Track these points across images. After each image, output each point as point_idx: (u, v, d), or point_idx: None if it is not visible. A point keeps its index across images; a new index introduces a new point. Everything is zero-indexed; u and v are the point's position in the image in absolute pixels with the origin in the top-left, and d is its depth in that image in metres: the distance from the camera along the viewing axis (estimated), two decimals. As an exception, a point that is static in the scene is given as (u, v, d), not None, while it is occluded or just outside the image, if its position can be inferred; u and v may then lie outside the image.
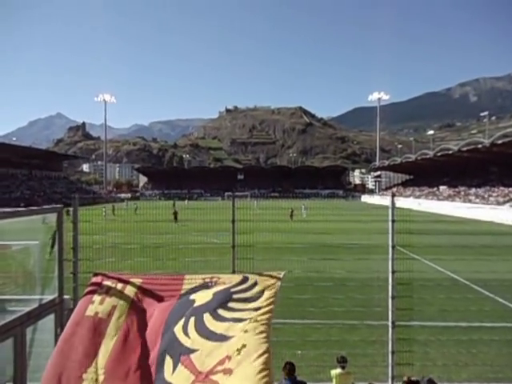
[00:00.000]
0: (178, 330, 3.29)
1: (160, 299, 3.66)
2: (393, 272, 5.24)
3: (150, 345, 3.31)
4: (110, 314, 3.44)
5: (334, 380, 5.81)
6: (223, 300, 3.38)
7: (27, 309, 3.78)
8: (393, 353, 5.23)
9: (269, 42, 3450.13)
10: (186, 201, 65.59)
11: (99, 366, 3.17)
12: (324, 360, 6.85)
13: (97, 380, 3.09)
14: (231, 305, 3.33)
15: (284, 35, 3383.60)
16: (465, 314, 9.17)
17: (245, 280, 3.72)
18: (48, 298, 4.08)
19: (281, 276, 3.91)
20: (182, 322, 3.33)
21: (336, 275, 11.87)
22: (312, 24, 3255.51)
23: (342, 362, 5.88)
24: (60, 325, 4.10)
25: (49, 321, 4.02)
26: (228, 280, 3.73)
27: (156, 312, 3.55)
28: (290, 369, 4.84)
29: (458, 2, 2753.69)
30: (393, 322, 5.25)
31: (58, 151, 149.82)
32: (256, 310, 3.27)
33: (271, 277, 3.84)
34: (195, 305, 3.44)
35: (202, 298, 3.49)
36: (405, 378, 5.11)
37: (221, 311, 3.31)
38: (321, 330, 8.82)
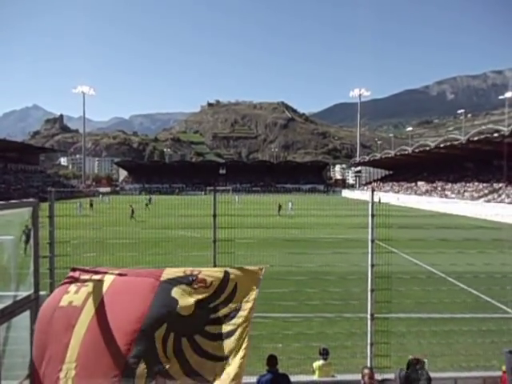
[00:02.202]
0: (158, 337, 3.23)
1: (137, 286, 3.57)
2: (372, 265, 5.33)
3: (124, 337, 3.19)
4: (84, 301, 3.34)
5: (316, 372, 5.90)
6: (208, 315, 3.40)
7: (0, 306, 3.66)
8: (371, 344, 5.34)
9: (251, 38, 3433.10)
10: (149, 196, 51.21)
11: (71, 360, 3.09)
12: (304, 353, 6.92)
13: (69, 376, 3.02)
14: (212, 317, 3.39)
15: (266, 31, 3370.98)
16: (440, 305, 9.44)
17: (225, 279, 3.68)
18: (23, 294, 3.96)
19: (261, 271, 3.92)
20: (162, 331, 3.25)
21: (316, 269, 12.00)
22: (294, 21, 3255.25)
23: (324, 354, 5.97)
24: (36, 322, 3.99)
25: (24, 318, 3.91)
26: (209, 276, 3.68)
27: (135, 296, 3.43)
28: (272, 362, 4.88)
29: (436, 3, 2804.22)
30: (372, 315, 5.35)
31: (35, 144, 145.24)
32: (240, 324, 3.37)
33: (252, 272, 3.84)
34: (178, 308, 3.37)
35: (184, 301, 3.43)
36: (410, 357, 5.10)
37: (208, 328, 3.35)
38: (301, 323, 8.91)
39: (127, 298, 3.42)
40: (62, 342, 3.15)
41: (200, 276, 3.63)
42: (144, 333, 3.21)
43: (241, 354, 3.32)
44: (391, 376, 5.28)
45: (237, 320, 3.44)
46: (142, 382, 3.02)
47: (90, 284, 3.47)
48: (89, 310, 3.29)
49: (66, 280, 3.59)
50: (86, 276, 3.60)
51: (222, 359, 3.27)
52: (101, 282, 3.51)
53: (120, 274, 3.61)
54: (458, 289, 12.10)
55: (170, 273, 3.67)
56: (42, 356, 3.13)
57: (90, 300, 3.34)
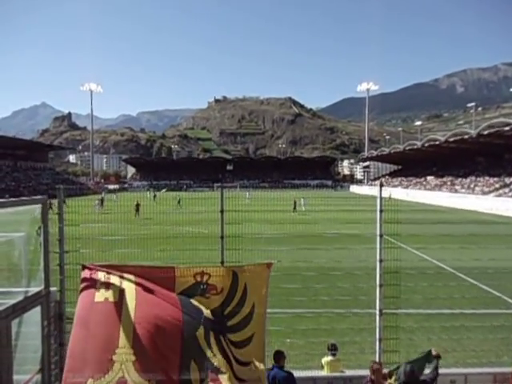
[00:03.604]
0: (200, 336, 3.49)
1: (157, 287, 3.69)
2: (380, 261, 5.30)
3: (170, 337, 3.43)
4: (120, 297, 3.54)
5: (324, 367, 5.89)
6: (226, 322, 3.68)
7: (12, 301, 3.71)
8: (380, 340, 5.32)
9: (258, 33, 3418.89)
10: (154, 193, 52.09)
11: (126, 346, 3.30)
12: (313, 348, 6.93)
13: (127, 360, 3.24)
14: (229, 324, 3.68)
15: (273, 26, 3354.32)
16: (449, 301, 9.37)
17: (235, 282, 3.79)
18: (34, 290, 4.01)
19: (270, 267, 3.96)
20: (202, 331, 3.52)
21: (325, 264, 11.96)
22: (301, 15, 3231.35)
23: (333, 349, 5.96)
24: (46, 317, 4.05)
25: (35, 313, 3.96)
26: (218, 281, 3.81)
27: (164, 303, 3.61)
28: (278, 357, 4.88)
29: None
30: (380, 310, 5.32)
31: (44, 142, 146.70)
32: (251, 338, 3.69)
33: (260, 269, 3.89)
34: (205, 313, 3.63)
35: (204, 309, 3.67)
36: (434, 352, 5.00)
37: (229, 335, 3.63)
38: (310, 319, 8.91)
39: (158, 298, 3.61)
40: (109, 332, 3.36)
41: (210, 282, 3.75)
42: (187, 334, 3.45)
43: (261, 358, 3.67)
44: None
45: (252, 325, 3.67)
46: (197, 377, 3.32)
47: (117, 283, 3.65)
48: (129, 309, 3.49)
49: (85, 284, 3.74)
50: (103, 273, 3.72)
51: (248, 364, 3.57)
52: (126, 280, 3.68)
53: (138, 275, 3.74)
54: (467, 284, 11.98)
55: (181, 277, 3.77)
56: (85, 345, 3.33)
57: (126, 298, 3.55)
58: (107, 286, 3.60)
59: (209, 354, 3.40)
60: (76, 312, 3.57)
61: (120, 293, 3.54)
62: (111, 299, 3.50)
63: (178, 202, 33.04)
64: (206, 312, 3.61)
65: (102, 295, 3.54)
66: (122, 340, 3.30)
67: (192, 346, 3.40)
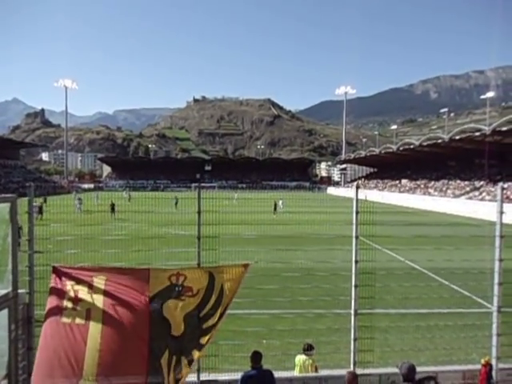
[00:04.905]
0: (164, 362, 3.48)
1: (129, 297, 3.58)
2: (356, 262, 5.37)
3: (135, 366, 3.40)
4: (86, 319, 3.47)
5: (297, 366, 5.90)
6: (201, 325, 3.70)
7: (-23, 304, 3.55)
8: (355, 340, 5.39)
9: (238, 34, 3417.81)
10: (128, 194, 48.59)
11: (89, 374, 3.27)
12: (289, 348, 6.95)
13: None
14: (204, 326, 3.72)
15: (253, 28, 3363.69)
16: (422, 301, 9.61)
17: (211, 283, 3.76)
18: (1, 292, 3.85)
19: (246, 268, 3.94)
20: (166, 355, 3.50)
21: (302, 265, 12.04)
22: (281, 19, 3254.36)
23: (309, 349, 5.98)
24: (14, 320, 3.89)
25: (2, 316, 3.80)
26: (195, 283, 3.75)
27: (133, 321, 3.54)
28: (256, 358, 4.85)
29: (421, 3, 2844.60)
30: (355, 310, 5.40)
31: (15, 138, 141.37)
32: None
33: (237, 270, 3.87)
34: (172, 331, 3.57)
35: (174, 320, 3.60)
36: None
37: (202, 339, 3.68)
38: (286, 320, 8.95)
39: (126, 318, 3.53)
40: (75, 359, 3.33)
41: (186, 284, 3.70)
42: (152, 360, 3.44)
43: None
44: (374, 371, 5.36)
45: (218, 326, 3.76)
46: None
47: (85, 300, 3.57)
48: (94, 333, 3.43)
49: (53, 296, 3.64)
50: (71, 284, 3.61)
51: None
52: (94, 297, 3.59)
53: (108, 285, 3.63)
54: (438, 284, 12.34)
55: (155, 280, 3.68)
56: (51, 370, 3.30)
57: (92, 320, 3.48)
58: (75, 302, 3.53)
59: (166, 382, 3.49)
60: (42, 330, 3.51)
61: (87, 313, 3.49)
62: (77, 321, 3.46)
63: (176, 203, 31.07)
64: (173, 327, 3.55)
65: (68, 314, 3.48)
66: (87, 367, 3.30)
67: (157, 373, 3.43)
